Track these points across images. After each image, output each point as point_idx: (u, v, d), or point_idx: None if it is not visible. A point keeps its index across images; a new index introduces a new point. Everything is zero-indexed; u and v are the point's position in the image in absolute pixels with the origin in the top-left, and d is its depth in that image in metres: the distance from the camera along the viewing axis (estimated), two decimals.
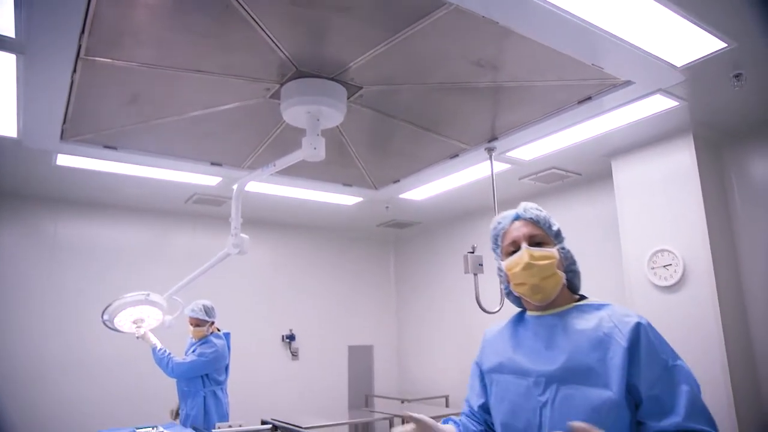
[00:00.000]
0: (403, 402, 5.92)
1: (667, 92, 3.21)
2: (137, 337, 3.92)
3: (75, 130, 3.31)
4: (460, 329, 6.19)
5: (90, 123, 3.23)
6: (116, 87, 2.83)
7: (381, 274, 7.35)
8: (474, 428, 1.62)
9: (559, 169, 4.67)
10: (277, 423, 3.99)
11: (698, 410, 1.29)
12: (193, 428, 3.81)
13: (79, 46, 2.41)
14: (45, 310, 5.05)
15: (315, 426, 3.93)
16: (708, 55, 2.78)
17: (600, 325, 1.40)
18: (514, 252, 1.54)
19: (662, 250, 3.84)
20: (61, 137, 3.37)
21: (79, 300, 5.18)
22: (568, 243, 1.60)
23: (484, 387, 1.62)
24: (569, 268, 1.55)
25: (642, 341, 1.34)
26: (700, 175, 3.74)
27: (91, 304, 5.16)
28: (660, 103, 3.35)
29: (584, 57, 2.62)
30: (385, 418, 4.94)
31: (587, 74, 2.80)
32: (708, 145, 3.91)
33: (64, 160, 4.03)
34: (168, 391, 4.29)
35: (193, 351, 4.07)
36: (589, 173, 4.80)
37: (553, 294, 1.50)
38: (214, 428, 3.80)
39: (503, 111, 3.35)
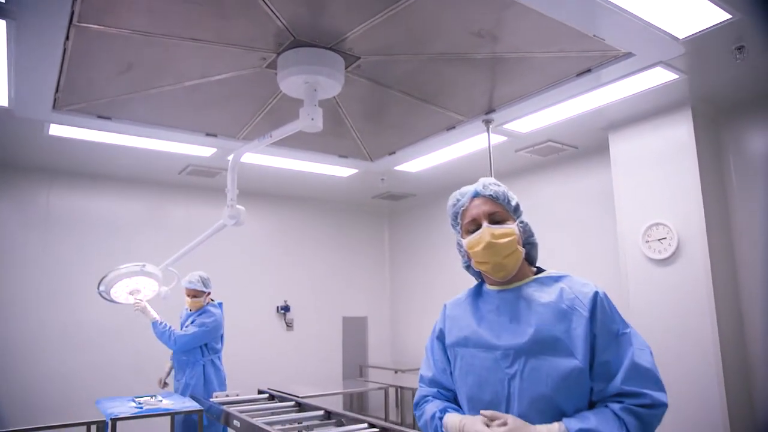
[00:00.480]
0: (396, 372, 6.00)
1: (667, 65, 3.19)
2: (135, 310, 3.93)
3: (68, 100, 3.27)
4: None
5: (83, 92, 3.19)
6: (110, 55, 2.78)
7: (375, 246, 7.37)
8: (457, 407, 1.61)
9: (556, 142, 4.66)
10: (274, 392, 4.05)
11: (639, 373, 1.36)
12: (192, 397, 3.85)
13: (72, 12, 2.35)
14: (39, 280, 5.05)
15: (311, 395, 3.98)
16: (711, 27, 2.75)
17: (561, 297, 1.45)
18: (474, 230, 1.55)
19: (657, 224, 3.86)
20: (54, 106, 3.32)
21: (73, 270, 5.18)
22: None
23: (448, 361, 1.63)
24: (527, 240, 1.59)
25: (598, 310, 1.41)
26: (697, 150, 3.74)
27: (85, 275, 5.17)
28: (660, 76, 3.33)
29: (585, 28, 2.59)
30: (380, 388, 5.01)
31: (588, 46, 2.78)
32: (706, 120, 3.90)
33: (56, 130, 3.97)
34: (165, 360, 4.32)
35: (192, 322, 4.09)
36: (586, 146, 4.79)
37: (514, 270, 1.53)
38: (212, 397, 3.86)
39: (502, 83, 3.32)
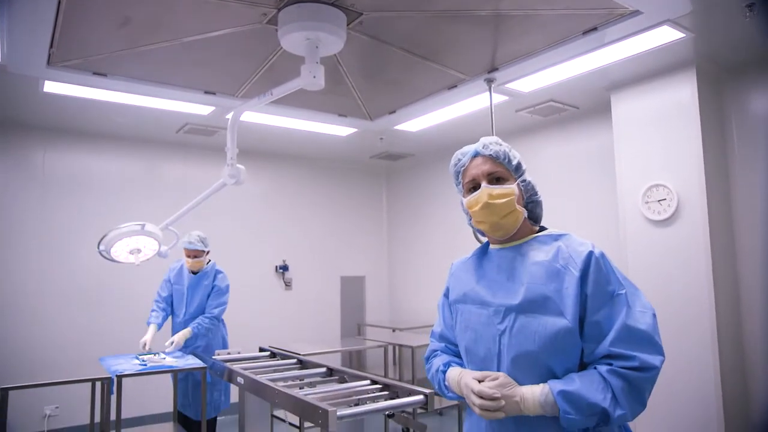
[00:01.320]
0: (394, 331, 6.09)
1: (674, 23, 3.13)
2: (137, 265, 3.90)
3: (62, 56, 3.19)
4: (451, 260, 6.28)
5: (78, 48, 3.11)
6: (106, 9, 2.70)
7: (373, 206, 7.38)
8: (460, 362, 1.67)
9: (557, 102, 4.62)
10: (275, 350, 4.11)
11: (630, 334, 1.35)
12: (194, 354, 3.91)
13: None
14: (35, 239, 5.04)
15: (312, 353, 4.05)
16: None
17: (557, 256, 1.46)
18: (474, 189, 1.56)
19: (657, 185, 3.87)
20: (48, 62, 3.24)
21: (70, 229, 5.18)
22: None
23: (453, 317, 1.69)
24: (530, 199, 1.59)
25: (591, 270, 1.40)
26: (700, 111, 3.72)
27: (81, 233, 5.18)
28: (666, 35, 3.27)
29: None
30: (379, 346, 5.10)
31: (595, 3, 2.72)
32: (710, 80, 3.86)
33: (51, 87, 3.90)
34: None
35: (213, 290, 4.15)
36: (587, 107, 4.75)
37: (513, 229, 1.55)
38: (215, 355, 3.91)
39: (505, 41, 3.26)
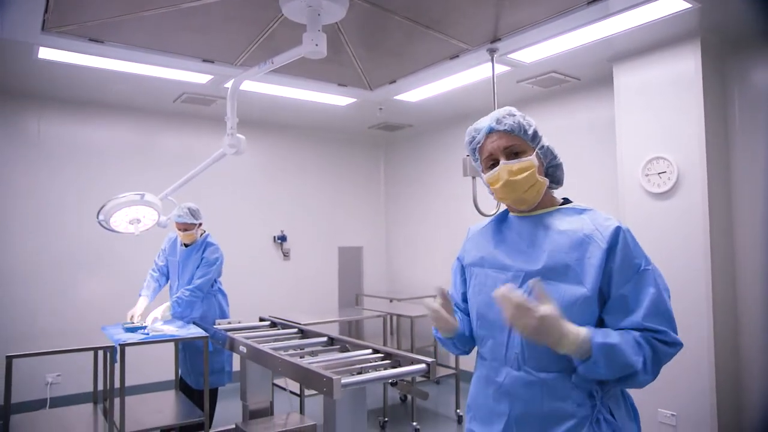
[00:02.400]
0: (391, 301, 6.14)
1: None
2: (136, 235, 3.89)
3: (58, 21, 3.12)
4: (448, 231, 6.32)
5: (74, 13, 3.04)
6: None
7: (371, 176, 7.36)
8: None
9: (559, 73, 4.58)
10: (275, 320, 4.15)
11: (659, 311, 1.39)
12: (195, 324, 3.93)
13: None
14: (30, 208, 5.01)
15: (312, 323, 4.09)
16: None
17: (582, 227, 1.46)
18: (493, 165, 1.55)
19: (658, 158, 3.87)
20: (43, 28, 3.18)
21: (66, 198, 5.15)
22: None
23: (464, 281, 1.72)
24: (550, 164, 1.59)
25: (620, 245, 1.41)
26: (703, 83, 3.69)
27: (77, 202, 5.16)
28: (672, 5, 3.22)
29: None
30: (378, 316, 5.14)
31: None
32: (714, 53, 3.82)
33: (46, 53, 3.83)
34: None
35: (202, 261, 4.13)
36: (589, 78, 4.72)
37: (536, 201, 1.56)
38: (215, 325, 3.94)
39: (509, 10, 3.21)
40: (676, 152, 3.79)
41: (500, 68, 4.23)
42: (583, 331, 1.35)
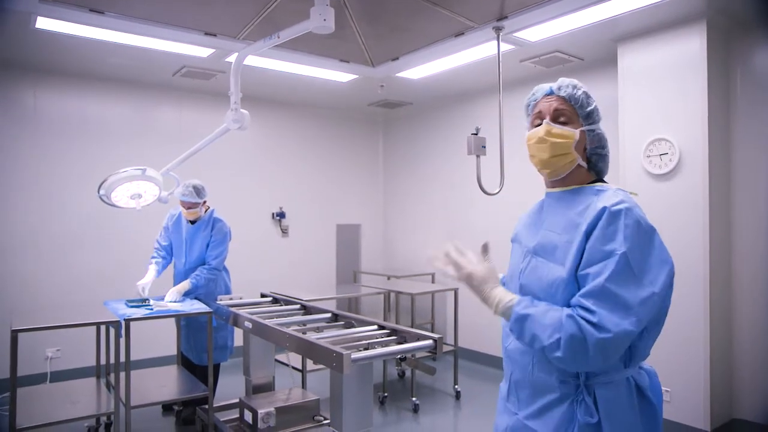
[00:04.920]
0: (389, 278, 6.17)
1: None
2: (138, 210, 3.87)
3: None
4: (445, 209, 6.34)
5: None
6: None
7: (369, 154, 7.33)
8: None
9: (563, 53, 4.56)
10: (277, 296, 4.17)
11: (602, 293, 1.31)
12: (198, 299, 3.94)
13: None
14: (25, 181, 4.94)
15: (313, 299, 4.11)
16: None
17: (587, 208, 1.45)
18: (539, 125, 1.59)
19: (660, 139, 3.88)
20: None
21: (63, 171, 5.09)
22: None
23: None
24: (594, 150, 1.58)
25: (599, 226, 1.38)
26: (707, 65, 3.69)
27: (74, 176, 5.11)
28: None
29: None
30: (379, 293, 5.17)
31: None
32: (719, 35, 3.81)
33: (43, 23, 3.74)
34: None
35: (211, 241, 4.15)
36: (592, 58, 4.70)
37: (561, 172, 1.56)
38: (218, 300, 3.96)
39: None
40: (679, 134, 3.81)
41: (504, 47, 4.19)
42: (506, 298, 1.48)
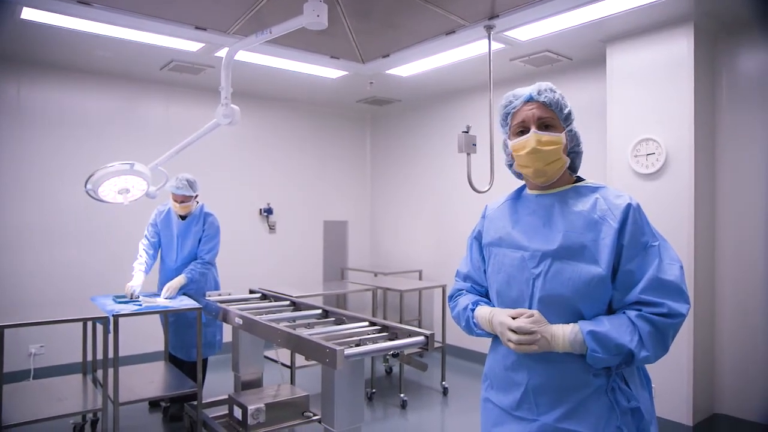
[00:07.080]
0: (376, 275, 6.19)
1: None
2: (125, 205, 3.83)
3: None
4: (432, 207, 6.36)
5: None
6: None
7: (357, 151, 7.33)
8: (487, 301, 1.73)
9: (552, 53, 4.60)
10: (266, 292, 4.15)
11: (659, 284, 1.42)
12: (187, 295, 3.92)
13: None
14: (9, 175, 4.86)
15: (302, 296, 4.10)
16: None
17: (595, 207, 1.51)
18: (522, 133, 1.59)
19: (647, 139, 3.93)
20: None
21: (47, 166, 5.02)
22: None
23: (483, 259, 1.74)
24: (573, 149, 1.63)
25: (629, 222, 1.46)
26: (694, 67, 3.75)
27: (58, 171, 5.04)
28: None
29: None
30: (367, 290, 5.18)
31: None
32: (706, 37, 3.88)
33: (29, 14, 3.67)
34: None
35: (204, 235, 4.13)
36: (581, 58, 4.74)
37: (555, 177, 1.59)
38: (207, 296, 3.93)
39: None
40: (666, 134, 3.86)
41: (494, 45, 4.21)
42: (568, 327, 1.44)
